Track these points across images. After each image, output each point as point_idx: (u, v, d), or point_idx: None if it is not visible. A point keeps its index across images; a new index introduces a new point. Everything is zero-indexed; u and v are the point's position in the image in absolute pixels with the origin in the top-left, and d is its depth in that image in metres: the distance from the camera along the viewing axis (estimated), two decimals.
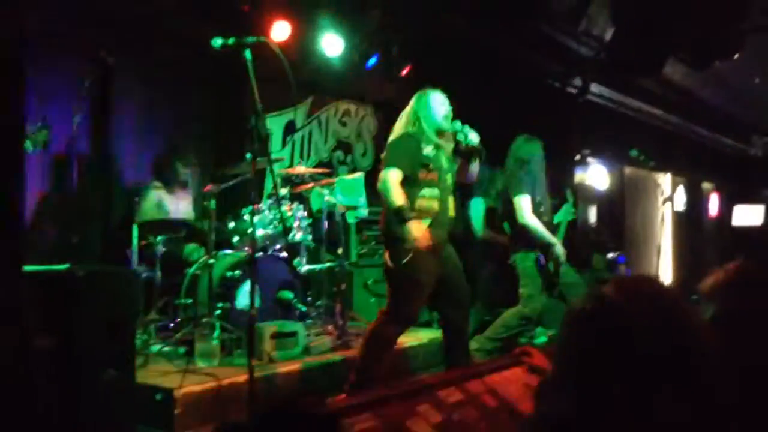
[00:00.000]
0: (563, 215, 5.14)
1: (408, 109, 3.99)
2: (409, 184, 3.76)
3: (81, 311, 2.22)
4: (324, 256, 5.52)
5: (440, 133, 3.91)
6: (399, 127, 3.97)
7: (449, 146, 4.00)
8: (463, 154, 4.01)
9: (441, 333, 4.14)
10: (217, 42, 2.76)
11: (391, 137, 3.98)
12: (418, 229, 3.62)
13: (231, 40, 2.76)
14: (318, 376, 4.20)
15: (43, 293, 2.07)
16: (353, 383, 3.80)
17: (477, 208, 6.16)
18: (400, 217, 3.63)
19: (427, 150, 3.83)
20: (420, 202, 3.77)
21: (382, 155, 3.93)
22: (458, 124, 3.89)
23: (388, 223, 3.83)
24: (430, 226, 3.75)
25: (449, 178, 3.93)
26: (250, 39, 2.74)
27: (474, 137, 3.88)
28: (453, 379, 2.59)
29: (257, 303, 4.36)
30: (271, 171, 2.85)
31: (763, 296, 1.95)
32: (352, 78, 6.58)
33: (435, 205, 3.79)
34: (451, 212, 3.93)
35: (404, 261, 3.68)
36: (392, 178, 3.72)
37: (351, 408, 2.17)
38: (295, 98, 6.31)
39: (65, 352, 2.14)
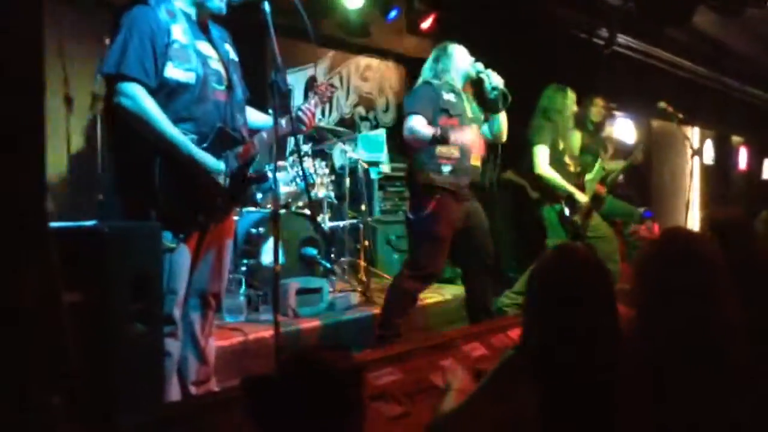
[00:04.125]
0: (596, 171, 5.07)
1: (428, 60, 3.95)
2: None
3: (107, 267, 2.23)
4: (347, 212, 5.52)
5: (463, 84, 3.87)
6: (419, 80, 3.95)
7: (472, 98, 3.96)
8: (488, 103, 3.95)
9: (464, 289, 4.15)
10: None
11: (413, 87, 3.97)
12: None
13: None
14: (342, 332, 4.24)
15: (70, 249, 2.08)
16: (378, 337, 3.84)
17: None
18: (441, 139, 3.64)
19: (448, 96, 3.79)
20: (440, 149, 3.74)
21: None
22: (480, 66, 3.84)
23: (410, 173, 3.86)
24: (451, 172, 3.73)
25: (473, 127, 3.87)
26: None
27: (497, 79, 3.81)
28: (477, 333, 2.60)
29: (281, 260, 4.44)
30: (293, 126, 2.81)
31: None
32: (374, 32, 6.47)
33: (456, 152, 3.75)
34: (475, 161, 3.88)
35: (426, 211, 3.69)
36: (417, 123, 3.70)
37: (375, 362, 2.19)
38: (313, 54, 6.25)
39: (92, 308, 2.16)
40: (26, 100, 1.37)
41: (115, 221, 2.64)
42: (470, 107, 3.90)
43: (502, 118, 3.92)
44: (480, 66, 3.84)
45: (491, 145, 4.01)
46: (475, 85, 4.09)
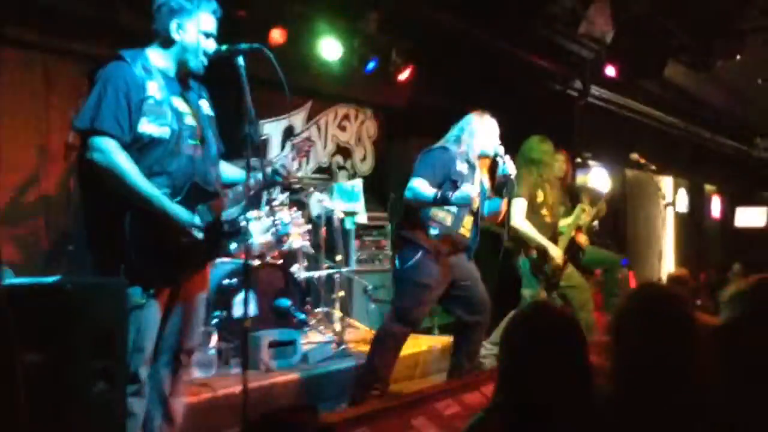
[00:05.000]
0: (573, 219, 5.09)
1: (457, 125, 3.99)
2: None
3: (69, 325, 2.17)
4: (323, 262, 5.48)
5: (480, 157, 3.90)
6: (441, 140, 3.98)
7: (484, 173, 4.01)
8: (495, 186, 4.02)
9: (453, 335, 4.17)
10: (209, 50, 2.73)
11: (427, 148, 4.00)
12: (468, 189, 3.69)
13: (224, 47, 2.73)
14: (316, 385, 4.16)
15: (31, 307, 2.02)
16: (361, 386, 3.78)
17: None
18: (441, 201, 3.66)
19: (461, 167, 3.83)
20: (434, 211, 3.80)
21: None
22: (501, 149, 3.88)
23: (400, 225, 3.94)
24: (437, 236, 3.77)
25: (475, 200, 3.86)
26: (243, 46, 2.70)
27: (511, 168, 3.86)
28: (450, 390, 2.55)
29: (254, 312, 4.37)
30: (265, 177, 2.80)
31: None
32: (352, 82, 6.54)
33: (448, 219, 3.82)
34: (466, 232, 3.93)
35: (411, 262, 3.74)
36: (420, 185, 3.74)
37: (345, 421, 2.12)
38: (290, 104, 6.29)
39: (53, 366, 2.10)
40: None
41: (82, 275, 2.59)
42: (479, 181, 3.95)
43: (503, 204, 3.99)
44: (501, 150, 3.89)
45: None
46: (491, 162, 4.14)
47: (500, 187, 3.95)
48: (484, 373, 3.63)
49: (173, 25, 2.69)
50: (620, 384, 1.73)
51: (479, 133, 3.91)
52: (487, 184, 4.08)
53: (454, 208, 3.80)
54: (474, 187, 3.72)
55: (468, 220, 3.91)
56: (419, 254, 3.78)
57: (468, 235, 3.94)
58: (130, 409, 2.61)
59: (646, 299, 1.84)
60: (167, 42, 2.72)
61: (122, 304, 2.41)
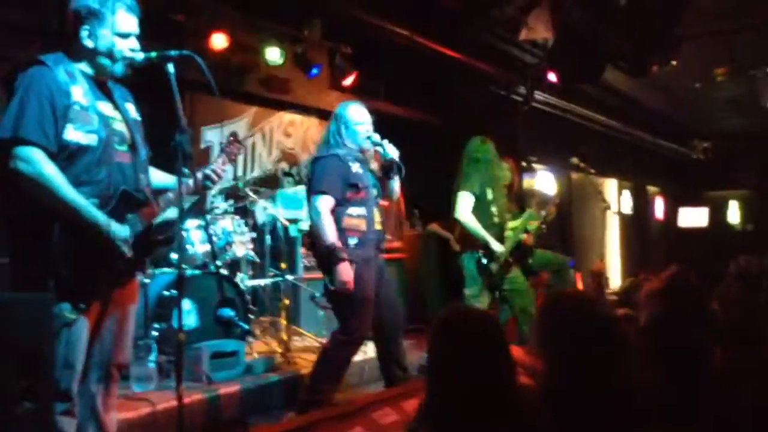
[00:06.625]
0: (522, 222, 5.12)
1: (330, 125, 3.91)
2: (336, 202, 3.70)
3: None
4: (268, 270, 5.42)
5: (362, 151, 3.85)
6: (321, 144, 3.91)
7: (372, 161, 3.95)
8: (383, 169, 3.95)
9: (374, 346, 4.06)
10: (139, 57, 2.65)
11: (317, 154, 3.90)
12: (347, 273, 3.58)
13: (153, 54, 2.66)
14: (261, 396, 4.10)
15: None
16: (304, 402, 3.71)
17: None
18: (332, 257, 3.57)
19: (356, 168, 3.77)
20: (347, 221, 3.71)
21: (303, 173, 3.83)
22: (377, 138, 3.83)
23: (317, 244, 3.74)
24: (358, 245, 3.71)
25: (375, 193, 3.88)
26: (173, 53, 2.63)
27: (392, 151, 3.81)
28: (388, 399, 2.54)
29: (196, 323, 4.29)
30: (196, 183, 2.76)
31: (686, 304, 2.01)
32: (296, 88, 6.50)
33: (362, 224, 3.75)
34: (379, 226, 3.87)
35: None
36: (325, 207, 3.65)
37: None
38: (233, 111, 6.22)
39: None
40: None
41: (5, 291, 2.49)
42: (370, 174, 3.89)
43: (396, 183, 3.94)
44: (376, 137, 3.83)
45: (411, 201, 4.03)
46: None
47: (387, 170, 3.89)
48: (422, 380, 3.61)
49: (84, 33, 2.59)
50: (553, 383, 1.75)
51: (351, 123, 3.82)
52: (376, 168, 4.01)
53: (363, 210, 3.74)
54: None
55: (377, 214, 3.86)
56: (353, 266, 3.63)
57: (381, 228, 3.90)
58: (60, 428, 2.52)
59: (565, 308, 1.86)
60: (80, 49, 2.61)
61: (48, 320, 2.32)
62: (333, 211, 3.67)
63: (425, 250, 6.77)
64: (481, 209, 4.80)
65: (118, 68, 2.66)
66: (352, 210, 3.73)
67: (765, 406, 1.95)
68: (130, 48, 2.65)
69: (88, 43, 2.60)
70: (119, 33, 2.61)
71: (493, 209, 4.87)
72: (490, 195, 4.86)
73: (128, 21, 2.64)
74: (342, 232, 3.67)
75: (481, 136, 5.04)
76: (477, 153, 4.93)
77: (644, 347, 1.91)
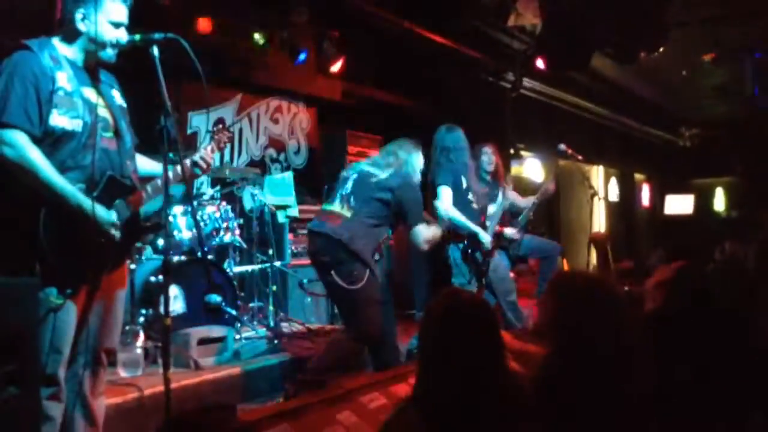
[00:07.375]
0: (498, 204, 5.16)
1: (405, 156, 4.03)
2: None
3: None
4: (256, 256, 5.41)
5: None
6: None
7: None
8: None
9: None
10: (122, 40, 2.63)
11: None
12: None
13: (137, 37, 2.64)
14: (248, 381, 4.09)
15: None
16: (303, 382, 3.71)
17: None
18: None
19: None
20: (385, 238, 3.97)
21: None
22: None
23: (349, 240, 3.68)
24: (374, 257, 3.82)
25: None
26: (157, 36, 2.61)
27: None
28: (376, 383, 2.55)
29: (183, 309, 4.28)
30: (184, 170, 2.73)
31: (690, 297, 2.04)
32: (283, 74, 6.46)
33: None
34: None
35: (362, 282, 3.66)
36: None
37: (267, 418, 2.09)
38: (220, 96, 6.18)
39: None
40: None
41: None
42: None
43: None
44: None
45: None
46: None
47: None
48: (412, 364, 3.64)
49: (78, 16, 2.58)
50: (554, 368, 1.76)
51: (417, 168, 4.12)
52: None
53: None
54: None
55: None
56: (367, 273, 3.69)
57: None
58: (46, 413, 2.51)
59: (579, 285, 1.88)
60: (73, 33, 2.61)
61: (34, 304, 2.31)
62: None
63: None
64: (458, 197, 4.83)
65: (108, 54, 2.65)
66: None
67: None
68: (119, 38, 2.64)
69: (82, 27, 2.59)
70: (112, 21, 2.62)
71: (470, 196, 4.91)
72: (464, 182, 4.88)
73: (120, 11, 2.64)
74: (385, 239, 3.92)
75: (448, 125, 5.05)
76: (444, 142, 4.95)
77: (650, 335, 1.93)
